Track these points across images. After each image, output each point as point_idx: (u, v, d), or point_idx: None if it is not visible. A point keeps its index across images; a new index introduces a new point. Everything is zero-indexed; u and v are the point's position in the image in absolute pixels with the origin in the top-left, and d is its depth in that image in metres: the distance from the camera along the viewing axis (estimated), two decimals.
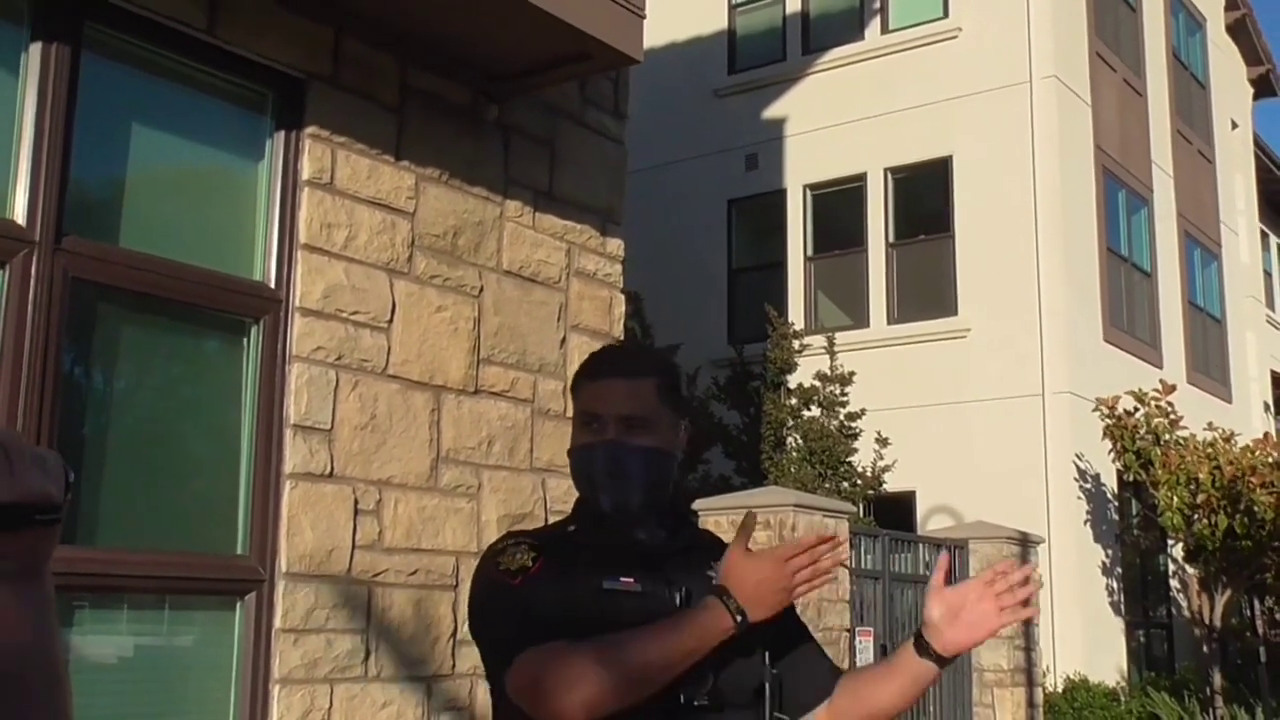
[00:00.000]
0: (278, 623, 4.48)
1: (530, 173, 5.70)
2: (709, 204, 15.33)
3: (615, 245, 6.09)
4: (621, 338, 6.06)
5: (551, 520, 5.09)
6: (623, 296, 6.10)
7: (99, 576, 4.11)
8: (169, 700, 4.37)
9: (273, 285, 4.67)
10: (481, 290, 5.42)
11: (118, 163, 4.37)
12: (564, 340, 5.76)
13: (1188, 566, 13.44)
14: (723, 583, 2.02)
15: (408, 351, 5.06)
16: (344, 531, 4.74)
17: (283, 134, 4.75)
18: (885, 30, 14.86)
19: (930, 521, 12.87)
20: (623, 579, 2.09)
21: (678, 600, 2.08)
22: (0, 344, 3.90)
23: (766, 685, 2.10)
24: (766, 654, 2.13)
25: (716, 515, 8.28)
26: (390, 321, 5.02)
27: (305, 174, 4.76)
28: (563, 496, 5.46)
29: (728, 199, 15.32)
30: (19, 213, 3.98)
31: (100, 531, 4.19)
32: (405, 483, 5.00)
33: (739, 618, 1.99)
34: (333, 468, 4.73)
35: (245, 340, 4.64)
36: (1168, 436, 12.70)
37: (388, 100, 5.09)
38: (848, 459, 11.37)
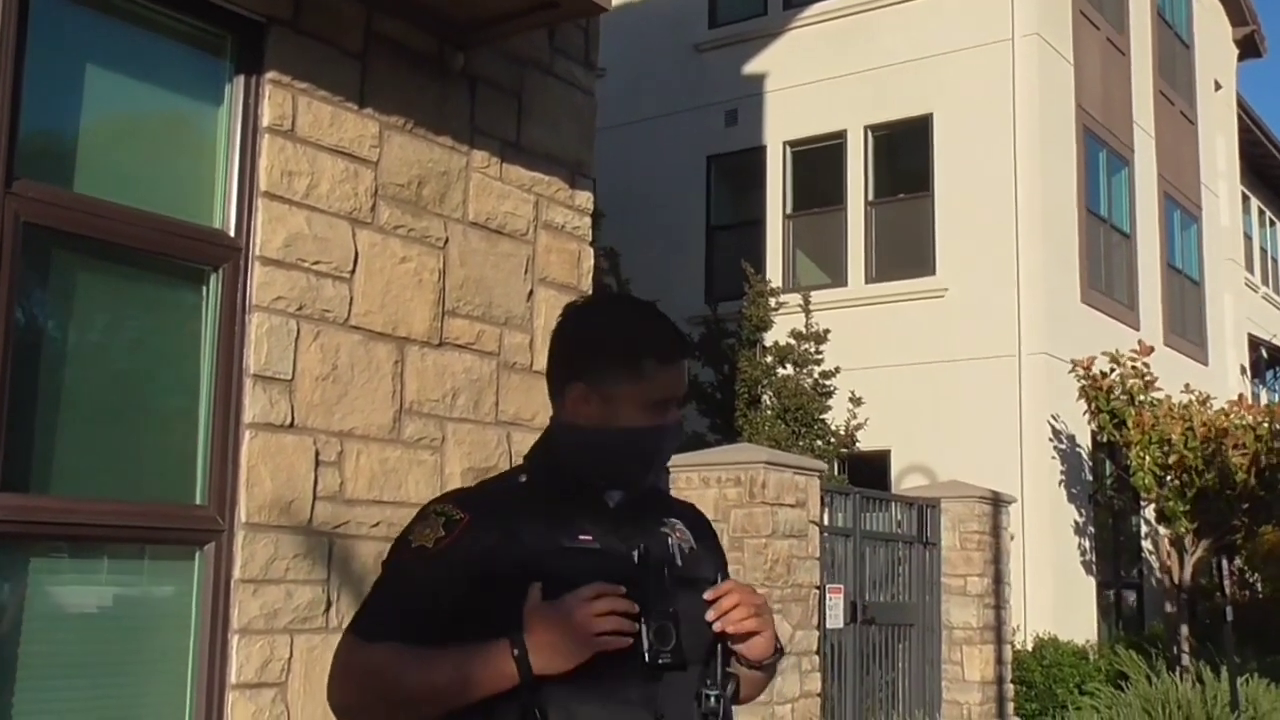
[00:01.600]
0: (237, 573, 4.45)
1: (497, 123, 5.63)
2: (688, 160, 15.24)
3: (584, 198, 6.03)
4: (590, 292, 6.02)
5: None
6: (591, 250, 6.05)
7: (56, 525, 4.08)
8: (127, 649, 4.35)
9: (232, 233, 4.61)
10: (447, 242, 5.36)
11: (71, 106, 4.29)
12: (531, 293, 5.71)
13: (1159, 527, 13.53)
14: (525, 626, 1.94)
15: (370, 302, 5.01)
16: (304, 482, 4.71)
17: (242, 79, 4.68)
18: None
19: (904, 480, 12.90)
20: (581, 536, 2.04)
21: (635, 557, 2.04)
22: None
23: (720, 645, 2.06)
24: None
25: (688, 472, 8.28)
26: (353, 272, 4.97)
27: (266, 120, 4.68)
28: (524, 451, 5.43)
29: (707, 155, 15.23)
30: None
31: (56, 480, 4.15)
32: (367, 434, 4.96)
33: (522, 667, 1.91)
34: (293, 418, 4.69)
35: (204, 289, 4.58)
36: (1142, 398, 12.74)
37: (351, 46, 5.01)
38: (821, 417, 11.37)
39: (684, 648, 2.00)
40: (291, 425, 4.69)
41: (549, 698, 1.95)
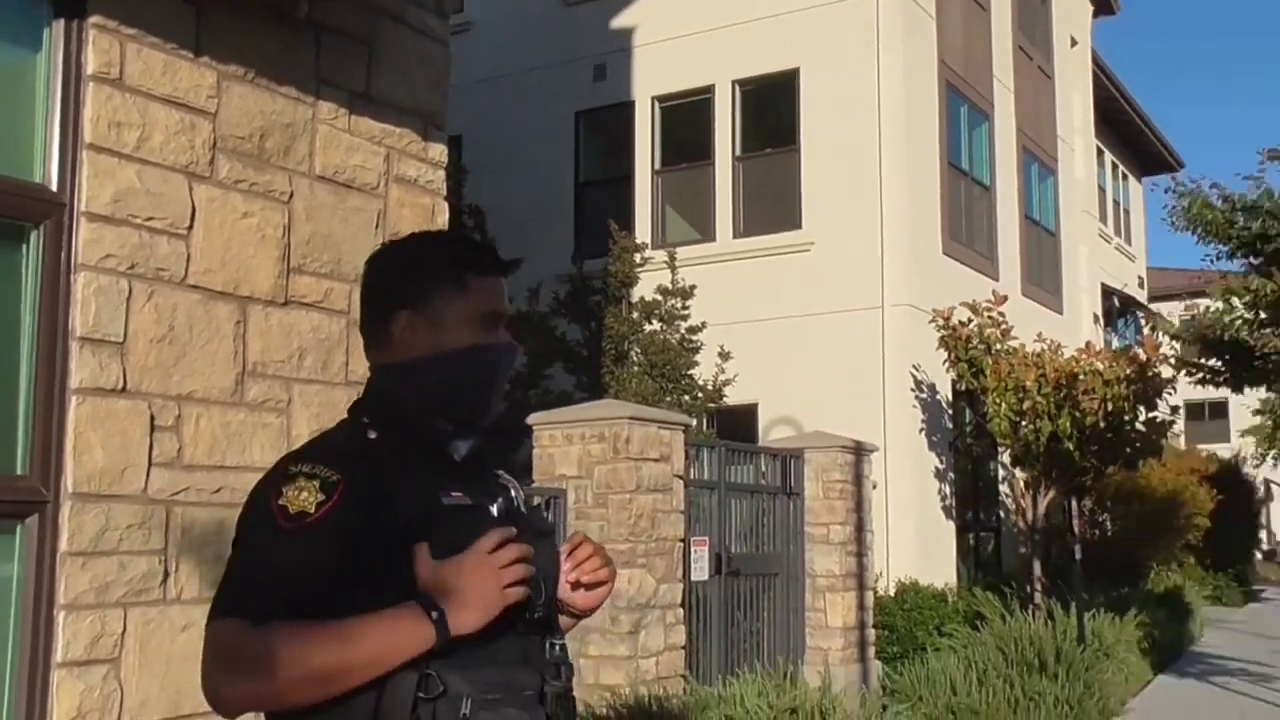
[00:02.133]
0: (64, 545, 4.24)
1: (345, 73, 5.42)
2: (557, 116, 15.08)
3: (438, 150, 5.85)
4: None
5: None
6: (446, 204, 5.88)
7: None
8: None
9: (55, 188, 4.35)
10: (292, 196, 5.15)
11: None
12: None
13: (1015, 471, 13.92)
14: (424, 588, 1.85)
15: (210, 260, 4.79)
16: (139, 449, 4.50)
17: (62, 23, 4.40)
18: None
19: (773, 433, 13.03)
20: (453, 492, 1.95)
21: (495, 512, 1.98)
22: None
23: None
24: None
25: (551, 430, 8.21)
26: (190, 228, 4.74)
27: (90, 68, 4.42)
28: None
29: (576, 110, 15.09)
30: None
31: None
32: (208, 398, 4.76)
33: (440, 628, 1.82)
34: (126, 383, 4.47)
35: (24, 246, 4.32)
36: (999, 346, 13.05)
37: None
38: (688, 372, 11.39)
39: (548, 600, 1.99)
40: (124, 390, 4.47)
41: (444, 664, 1.84)
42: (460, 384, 2.02)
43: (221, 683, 1.83)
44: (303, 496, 1.89)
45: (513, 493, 2.09)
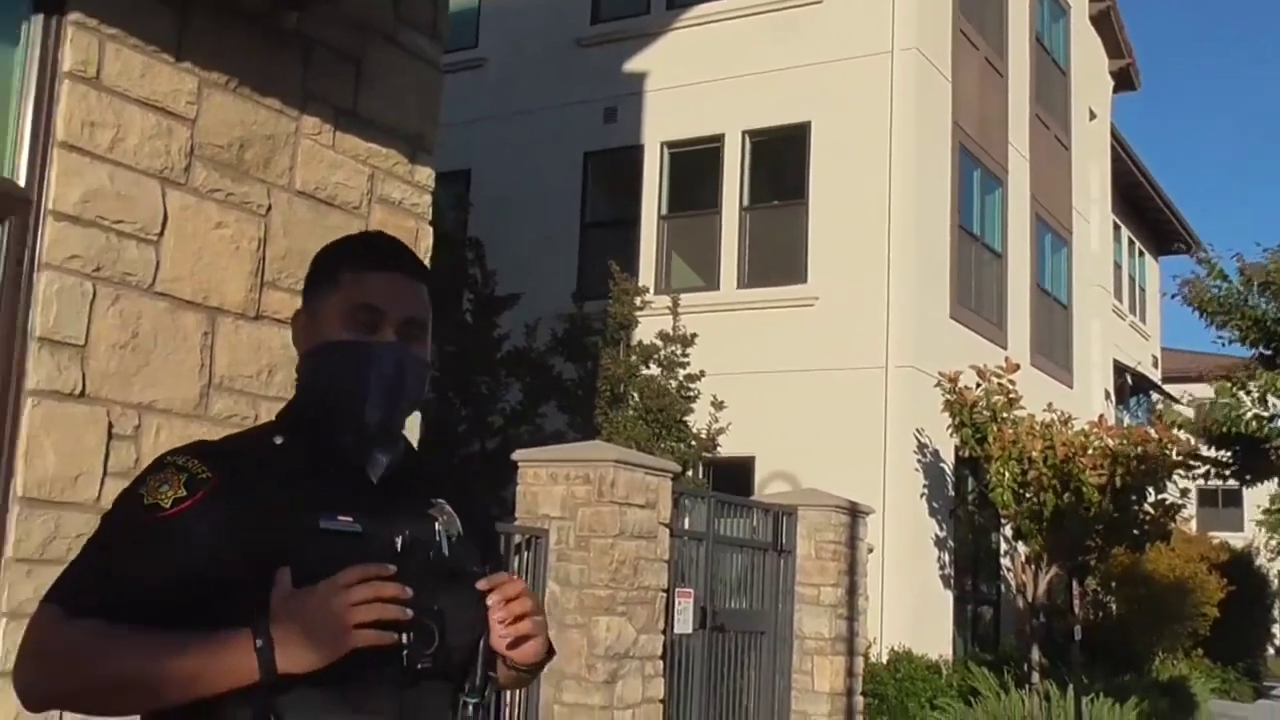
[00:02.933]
0: (9, 552, 4.11)
1: (332, 89, 5.34)
2: (565, 155, 15.03)
3: (425, 174, 5.77)
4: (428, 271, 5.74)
5: None
6: (430, 229, 5.78)
7: None
8: None
9: (22, 184, 4.27)
10: (269, 209, 5.06)
11: None
12: None
13: (1017, 545, 13.66)
14: (272, 617, 1.66)
15: (180, 268, 4.69)
16: (94, 457, 4.37)
17: (41, 18, 4.33)
18: None
19: (768, 487, 12.82)
20: (340, 517, 1.75)
21: (399, 545, 1.76)
22: None
23: (481, 642, 1.81)
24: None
25: (536, 468, 8.05)
26: (161, 234, 4.64)
27: (66, 65, 4.34)
28: None
29: (585, 151, 15.05)
30: None
31: None
32: (170, 409, 4.64)
33: (264, 659, 1.63)
34: (85, 387, 4.35)
35: None
36: (1005, 414, 12.83)
37: None
38: (684, 419, 11.24)
39: (447, 651, 1.75)
40: (82, 394, 4.35)
41: (288, 705, 1.67)
42: (323, 383, 1.88)
43: (24, 673, 1.69)
44: (163, 490, 1.74)
45: (438, 524, 1.87)
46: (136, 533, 1.73)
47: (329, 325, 1.87)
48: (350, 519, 1.76)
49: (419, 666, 1.72)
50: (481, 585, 1.81)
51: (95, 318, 4.40)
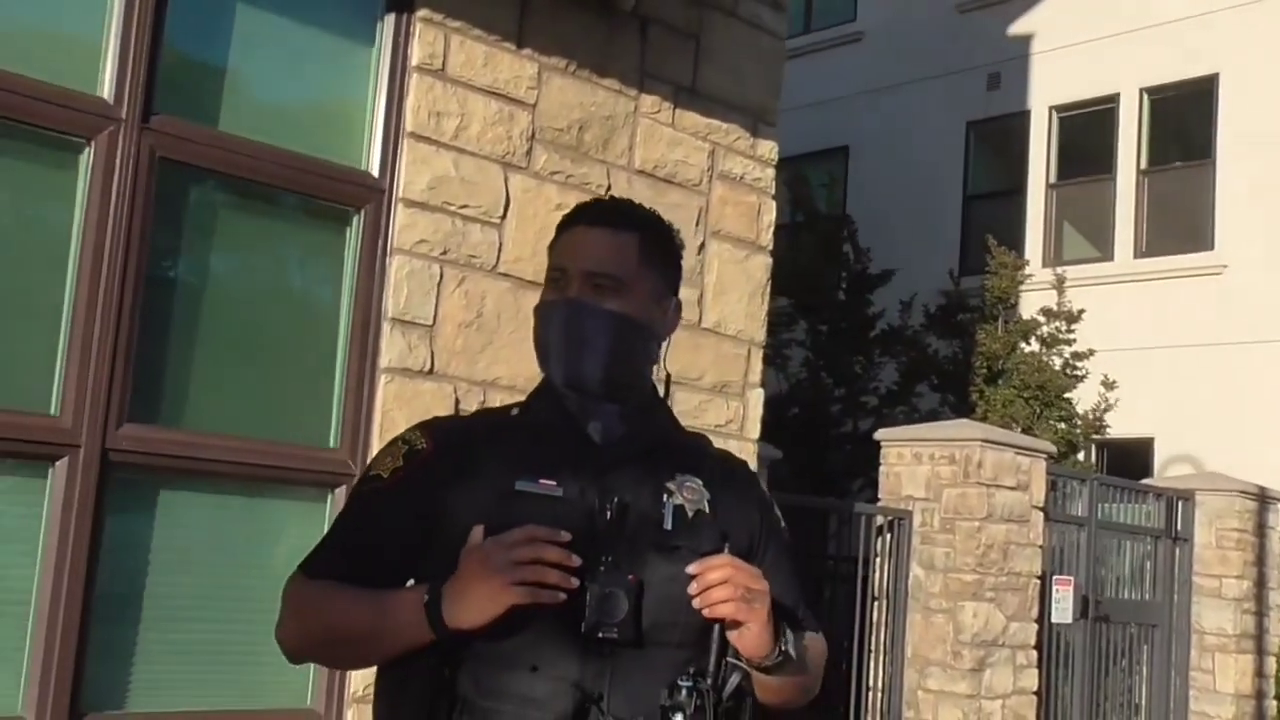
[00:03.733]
0: None
1: (671, 67, 5.36)
2: (947, 126, 14.54)
3: (768, 148, 5.68)
4: (770, 247, 5.68)
5: None
6: (773, 203, 5.70)
7: (183, 459, 4.11)
8: (256, 588, 4.35)
9: (376, 174, 4.54)
10: (609, 189, 5.14)
11: (215, 39, 4.30)
12: (702, 246, 5.43)
13: None
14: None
15: (521, 249, 4.85)
16: None
17: (393, 16, 4.59)
18: None
19: (1169, 470, 11.88)
20: (542, 480, 1.78)
21: (607, 514, 1.75)
22: (83, 222, 3.91)
23: (716, 628, 1.74)
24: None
25: (899, 447, 7.84)
26: (503, 217, 4.82)
27: (415, 59, 4.58)
28: (692, 411, 5.16)
29: (967, 120, 14.49)
30: (105, 88, 3.95)
31: (187, 415, 4.19)
32: (514, 385, 4.80)
33: (432, 615, 1.69)
34: (433, 365, 4.59)
35: (346, 230, 4.53)
36: None
37: None
38: (1066, 397, 10.58)
39: (644, 624, 1.71)
40: (430, 371, 4.59)
41: (466, 661, 1.72)
42: (538, 340, 1.95)
43: (278, 628, 1.91)
44: (385, 461, 1.89)
45: (667, 499, 1.83)
46: (361, 501, 1.90)
47: (544, 291, 1.96)
48: (554, 483, 1.77)
49: (600, 635, 1.68)
50: (691, 568, 1.73)
51: (442, 299, 4.63)
